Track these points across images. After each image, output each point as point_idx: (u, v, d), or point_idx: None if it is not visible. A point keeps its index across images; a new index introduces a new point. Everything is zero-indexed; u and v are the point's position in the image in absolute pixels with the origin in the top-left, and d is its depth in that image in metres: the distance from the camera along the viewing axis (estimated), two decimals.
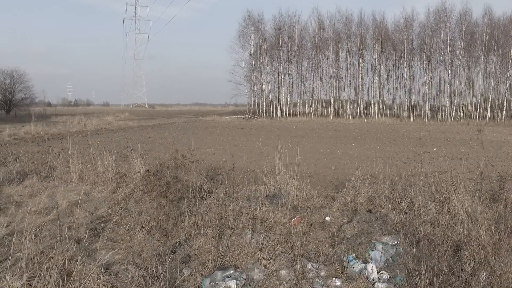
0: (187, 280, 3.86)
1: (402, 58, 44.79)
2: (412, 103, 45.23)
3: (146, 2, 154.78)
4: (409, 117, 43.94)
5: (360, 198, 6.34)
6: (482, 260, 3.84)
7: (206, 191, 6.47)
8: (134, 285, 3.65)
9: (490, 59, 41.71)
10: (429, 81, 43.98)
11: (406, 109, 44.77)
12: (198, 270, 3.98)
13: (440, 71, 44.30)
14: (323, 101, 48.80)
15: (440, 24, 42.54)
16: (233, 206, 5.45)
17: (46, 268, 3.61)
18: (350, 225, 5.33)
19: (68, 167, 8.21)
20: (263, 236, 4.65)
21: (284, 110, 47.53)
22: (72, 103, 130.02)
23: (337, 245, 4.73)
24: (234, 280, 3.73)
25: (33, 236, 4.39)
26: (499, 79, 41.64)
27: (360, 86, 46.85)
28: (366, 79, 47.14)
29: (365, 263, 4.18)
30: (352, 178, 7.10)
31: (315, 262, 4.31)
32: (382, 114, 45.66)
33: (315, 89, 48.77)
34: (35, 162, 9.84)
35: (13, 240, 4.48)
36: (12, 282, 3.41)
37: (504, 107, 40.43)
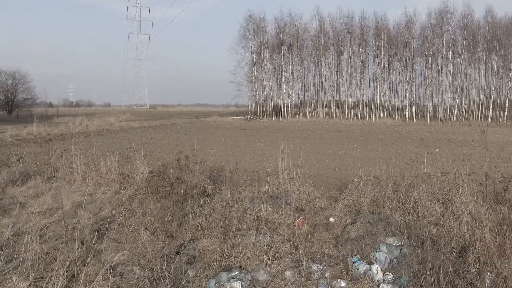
0: (192, 281, 3.86)
1: (404, 59, 44.75)
2: (414, 104, 45.16)
3: (148, 3, 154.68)
4: (410, 118, 43.90)
5: (364, 199, 6.34)
6: (487, 261, 3.84)
7: (209, 192, 6.47)
8: (139, 286, 3.66)
9: (492, 60, 41.63)
10: (430, 82, 43.94)
11: (407, 110, 44.71)
12: (203, 271, 3.99)
13: (441, 72, 44.24)
14: (325, 102, 48.78)
15: (441, 24, 42.50)
16: (237, 207, 5.46)
17: (52, 269, 3.62)
18: (354, 226, 5.33)
19: (71, 168, 8.23)
20: (268, 237, 4.65)
21: (285, 111, 47.54)
22: (74, 103, 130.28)
23: (341, 246, 4.73)
24: (239, 281, 3.74)
25: (38, 237, 4.41)
26: (501, 80, 41.56)
27: (362, 87, 46.84)
28: (367, 80, 47.18)
29: (369, 264, 4.18)
30: (355, 179, 7.10)
31: (319, 263, 4.31)
32: (383, 115, 45.62)
33: (316, 90, 48.77)
34: (37, 163, 9.88)
35: (18, 241, 4.51)
36: (18, 283, 3.42)
37: (506, 108, 40.35)
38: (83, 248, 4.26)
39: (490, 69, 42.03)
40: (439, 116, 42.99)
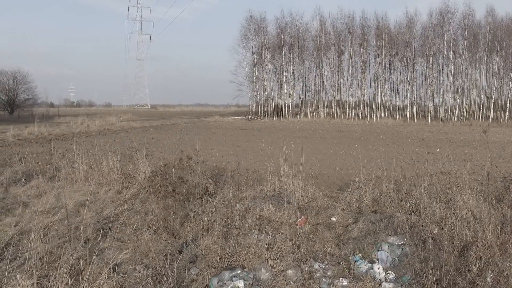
0: (195, 280, 3.88)
1: (405, 59, 44.71)
2: (415, 104, 45.13)
3: (149, 3, 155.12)
4: (411, 118, 43.88)
5: (365, 199, 6.36)
6: (488, 260, 3.85)
7: (211, 191, 6.50)
8: (142, 284, 3.68)
9: (493, 60, 41.59)
10: (431, 82, 43.90)
11: (408, 110, 44.70)
12: (205, 270, 4.01)
13: (442, 72, 44.23)
14: (325, 102, 48.78)
15: (442, 24, 42.48)
16: (239, 207, 5.48)
17: (56, 267, 3.64)
18: (356, 225, 5.34)
19: (73, 167, 8.26)
20: (270, 236, 4.67)
21: (286, 111, 47.56)
22: (75, 103, 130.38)
23: (343, 245, 4.75)
24: (242, 280, 3.76)
25: (41, 236, 4.43)
26: (502, 80, 41.50)
27: (363, 87, 46.82)
28: (368, 80, 47.14)
29: (371, 263, 4.20)
30: (357, 179, 7.12)
31: (321, 262, 4.33)
32: (384, 115, 45.60)
33: (317, 90, 48.76)
34: (40, 163, 9.91)
35: (22, 240, 4.53)
36: (22, 281, 3.44)
37: (507, 108, 40.30)
38: (87, 247, 4.29)
39: (491, 69, 41.99)
40: (440, 116, 42.96)
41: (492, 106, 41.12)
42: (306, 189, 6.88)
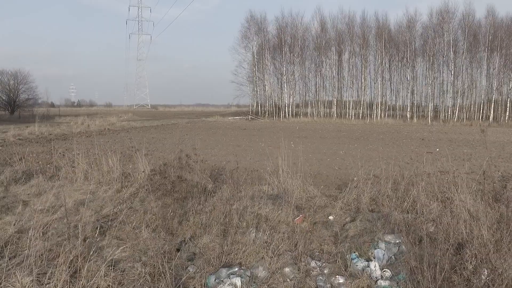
0: (192, 277, 3.92)
1: (405, 59, 44.72)
2: (415, 104, 45.15)
3: (149, 3, 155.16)
4: (412, 118, 43.89)
5: (363, 198, 6.39)
6: (484, 258, 3.89)
7: (210, 190, 6.53)
8: (140, 282, 3.72)
9: (493, 60, 41.59)
10: (432, 82, 43.92)
11: (409, 110, 44.71)
12: (203, 268, 4.04)
13: (443, 72, 44.25)
14: (326, 102, 48.83)
15: (442, 24, 42.49)
16: (237, 205, 5.52)
17: (55, 265, 3.68)
18: (353, 224, 5.38)
19: (73, 167, 8.30)
20: (267, 234, 4.71)
21: (286, 111, 47.60)
22: (75, 103, 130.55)
23: (340, 244, 4.78)
24: (239, 278, 3.79)
25: (41, 234, 4.47)
26: (502, 80, 41.50)
27: (363, 87, 46.85)
28: (368, 80, 47.17)
29: (368, 261, 4.23)
30: (355, 178, 7.15)
31: (318, 260, 4.37)
32: (384, 115, 45.62)
33: (317, 90, 48.81)
34: (40, 162, 9.95)
35: (21, 238, 4.57)
36: (22, 278, 3.48)
37: (508, 108, 40.30)
38: (85, 245, 4.32)
39: (492, 69, 42.00)
40: (441, 116, 42.98)
41: (493, 106, 41.12)
42: (305, 188, 6.92)
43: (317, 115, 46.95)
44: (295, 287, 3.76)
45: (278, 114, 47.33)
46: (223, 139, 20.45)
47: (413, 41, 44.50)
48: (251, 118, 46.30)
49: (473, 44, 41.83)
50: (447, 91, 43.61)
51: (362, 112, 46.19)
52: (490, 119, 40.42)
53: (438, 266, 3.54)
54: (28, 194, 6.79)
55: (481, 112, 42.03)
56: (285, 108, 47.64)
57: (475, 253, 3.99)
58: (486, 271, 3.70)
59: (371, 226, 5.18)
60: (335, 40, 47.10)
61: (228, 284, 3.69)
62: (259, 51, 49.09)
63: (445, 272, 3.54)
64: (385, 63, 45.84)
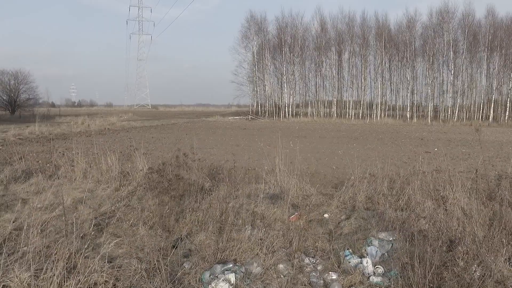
0: (187, 273, 3.98)
1: (405, 59, 44.75)
2: (415, 104, 45.17)
3: (150, 3, 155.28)
4: (411, 117, 43.92)
5: (359, 196, 6.45)
6: (475, 255, 3.94)
7: (207, 189, 6.60)
8: (136, 277, 3.78)
9: (493, 60, 41.61)
10: (431, 81, 43.94)
11: (408, 110, 44.74)
12: (198, 264, 4.10)
13: (443, 72, 44.29)
14: (326, 102, 48.88)
15: (442, 24, 42.52)
16: (233, 203, 5.58)
17: (52, 261, 3.74)
18: (348, 221, 5.44)
19: (73, 166, 8.37)
20: (262, 231, 4.77)
21: (286, 110, 47.65)
22: (76, 103, 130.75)
23: (334, 241, 4.84)
24: (233, 273, 3.85)
25: (39, 231, 4.54)
26: (502, 80, 41.50)
27: (363, 87, 46.89)
28: (368, 79, 47.20)
29: (361, 258, 4.29)
30: (352, 177, 7.20)
31: (312, 257, 4.42)
32: (384, 115, 45.65)
33: (317, 90, 48.87)
34: (39, 161, 10.01)
35: (20, 235, 4.63)
36: (20, 274, 3.54)
37: (507, 108, 40.30)
38: (83, 242, 4.39)
39: (491, 69, 42.02)
40: (440, 116, 42.99)
41: (492, 106, 41.13)
42: (301, 186, 6.98)
43: (317, 115, 47.00)
44: (288, 283, 3.82)
45: (278, 114, 47.38)
46: (222, 138, 20.51)
47: (413, 41, 44.54)
48: (251, 118, 46.36)
49: (473, 44, 41.84)
50: (447, 91, 43.65)
51: (362, 112, 46.22)
52: (490, 119, 40.43)
53: (428, 262, 3.59)
54: (27, 192, 6.86)
55: (481, 112, 42.05)
56: (285, 108, 47.69)
57: (467, 250, 4.04)
58: (477, 267, 3.76)
59: (365, 224, 5.24)
60: (335, 40, 47.16)
61: (223, 280, 3.75)
62: (259, 51, 49.16)
63: (436, 268, 3.60)
64: (385, 63, 45.88)
